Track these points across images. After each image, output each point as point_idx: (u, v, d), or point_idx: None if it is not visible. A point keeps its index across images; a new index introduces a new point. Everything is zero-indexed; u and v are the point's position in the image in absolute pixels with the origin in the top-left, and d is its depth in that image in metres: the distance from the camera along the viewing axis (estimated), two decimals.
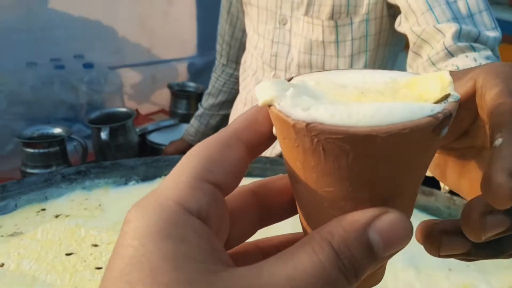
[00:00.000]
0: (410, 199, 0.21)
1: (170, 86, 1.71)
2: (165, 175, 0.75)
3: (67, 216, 0.66)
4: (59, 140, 1.20)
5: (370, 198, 0.19)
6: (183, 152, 1.45)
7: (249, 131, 0.21)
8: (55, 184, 0.71)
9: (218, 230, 0.19)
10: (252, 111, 0.21)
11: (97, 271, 0.55)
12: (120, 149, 1.29)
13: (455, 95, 0.19)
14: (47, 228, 0.63)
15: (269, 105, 0.19)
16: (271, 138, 0.21)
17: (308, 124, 0.17)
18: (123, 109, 1.41)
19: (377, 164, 0.18)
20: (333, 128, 0.17)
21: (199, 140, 1.53)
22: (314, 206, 0.20)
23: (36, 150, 1.17)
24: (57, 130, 1.24)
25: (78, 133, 1.29)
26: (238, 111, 1.05)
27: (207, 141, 0.20)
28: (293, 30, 0.89)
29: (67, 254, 0.58)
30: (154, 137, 1.44)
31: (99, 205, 0.69)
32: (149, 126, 1.50)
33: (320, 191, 0.19)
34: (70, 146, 1.25)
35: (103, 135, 1.26)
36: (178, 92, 1.69)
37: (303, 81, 0.21)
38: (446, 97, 0.19)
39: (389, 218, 0.18)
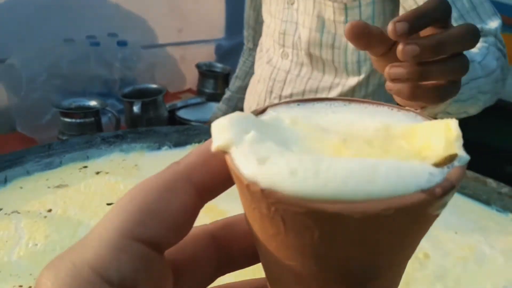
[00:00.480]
0: (394, 278, 0.17)
1: (198, 66, 1.77)
2: (196, 142, 0.81)
3: (107, 173, 0.73)
4: (94, 112, 1.27)
5: (342, 281, 0.15)
6: None
7: (202, 170, 0.17)
8: (95, 145, 0.78)
9: None
10: (207, 145, 0.17)
11: None
12: (150, 122, 1.35)
13: (463, 156, 0.15)
14: (89, 183, 0.70)
15: (224, 152, 0.15)
16: (230, 180, 0.16)
17: (263, 190, 0.14)
18: (154, 86, 1.47)
19: (350, 246, 0.14)
20: (292, 199, 0.13)
21: None
22: (276, 271, 0.17)
23: (73, 120, 1.25)
24: (93, 103, 1.32)
25: (111, 107, 1.36)
26: (251, 91, 1.09)
27: (145, 184, 0.17)
28: (300, 10, 0.93)
29: (108, 204, 0.65)
30: (183, 114, 1.51)
31: (135, 165, 0.75)
32: (178, 103, 1.56)
33: (282, 261, 0.16)
34: (104, 119, 1.33)
35: (135, 108, 1.33)
36: (205, 72, 1.76)
37: (277, 118, 0.17)
38: (452, 158, 0.15)
39: None
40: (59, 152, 0.75)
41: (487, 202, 0.68)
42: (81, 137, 0.79)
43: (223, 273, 0.20)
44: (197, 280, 0.19)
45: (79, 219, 0.61)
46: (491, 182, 0.69)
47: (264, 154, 0.14)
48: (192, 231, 0.18)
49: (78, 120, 1.25)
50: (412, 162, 0.15)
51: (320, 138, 0.17)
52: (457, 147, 0.15)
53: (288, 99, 0.20)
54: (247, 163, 0.14)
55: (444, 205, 0.14)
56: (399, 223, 0.14)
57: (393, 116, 0.18)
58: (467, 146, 0.16)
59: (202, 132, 0.85)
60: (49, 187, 0.68)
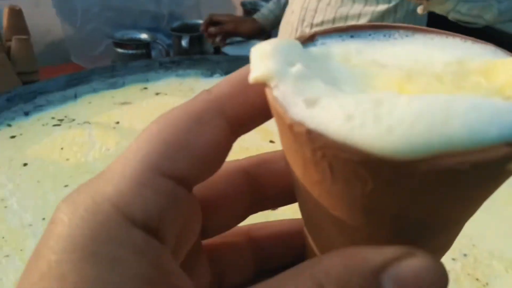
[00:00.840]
0: (450, 237, 0.15)
1: (243, 4, 1.79)
2: None
3: (166, 94, 0.79)
4: (145, 44, 1.33)
5: (392, 237, 0.13)
6: (257, 32, 1.49)
7: (236, 101, 0.15)
8: (154, 69, 0.84)
9: (177, 242, 0.15)
10: (243, 73, 0.15)
11: None
12: None
13: None
14: (150, 102, 0.77)
15: (264, 84, 0.13)
16: (267, 114, 0.15)
17: (309, 132, 0.12)
18: (201, 21, 1.51)
19: (408, 202, 0.12)
20: (346, 146, 0.11)
21: (271, 24, 1.54)
22: (317, 218, 0.15)
23: (126, 51, 1.31)
24: (143, 36, 1.37)
25: (160, 41, 1.42)
26: (285, 22, 1.10)
27: (172, 113, 0.15)
28: None
29: None
30: (227, 50, 1.55)
31: (191, 88, 0.81)
32: None
33: (325, 209, 0.14)
34: (153, 52, 1.38)
35: (184, 43, 1.38)
36: (250, 10, 1.77)
37: (327, 52, 0.15)
38: None
39: (414, 263, 0.12)
40: (121, 73, 0.82)
41: None
42: (141, 61, 0.85)
43: (255, 211, 0.19)
44: (227, 218, 0.18)
45: None
46: None
47: (312, 93, 0.12)
48: (224, 167, 0.16)
49: (130, 52, 1.31)
50: (494, 100, 0.12)
51: (378, 75, 0.14)
52: None
53: (339, 26, 0.17)
54: (292, 100, 0.12)
55: None
56: (472, 178, 0.12)
57: (468, 49, 0.15)
58: None
59: None
60: (114, 104, 0.75)
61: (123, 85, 0.80)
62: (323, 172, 0.13)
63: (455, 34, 0.16)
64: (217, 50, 1.54)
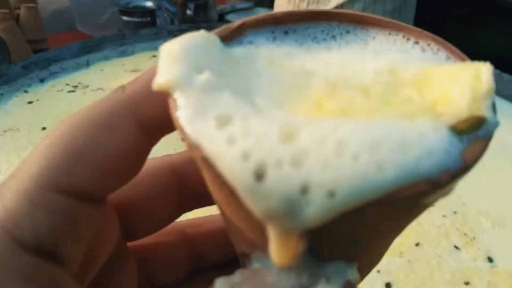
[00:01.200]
0: (371, 261, 0.15)
1: None
2: None
3: None
4: (150, 11, 1.34)
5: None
6: None
7: (150, 102, 0.13)
8: (162, 37, 0.87)
9: (85, 260, 0.14)
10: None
11: None
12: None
13: (493, 122, 0.12)
14: None
15: (167, 93, 0.12)
16: None
17: (204, 158, 0.11)
18: None
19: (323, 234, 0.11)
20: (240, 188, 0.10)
21: None
22: (231, 229, 0.15)
23: (131, 19, 1.33)
24: (149, 3, 1.39)
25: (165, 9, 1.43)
26: None
27: (76, 118, 0.13)
28: None
29: None
30: (232, 17, 1.56)
31: None
32: (227, 7, 1.61)
33: (233, 224, 0.13)
34: (159, 20, 1.40)
35: (189, 11, 1.39)
36: None
37: (250, 55, 0.14)
38: (477, 122, 0.12)
39: None
40: (131, 41, 0.84)
41: None
42: (150, 29, 0.87)
43: (187, 210, 0.18)
44: (155, 219, 0.17)
45: None
46: None
47: (215, 111, 0.11)
48: (149, 166, 0.15)
49: (135, 19, 1.33)
50: (418, 122, 0.11)
51: (300, 86, 0.13)
52: (485, 107, 0.12)
53: (274, 15, 0.15)
54: (189, 117, 0.11)
55: (448, 192, 0.11)
56: (386, 214, 0.11)
57: (406, 52, 0.14)
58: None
59: None
60: (125, 71, 0.78)
61: (133, 53, 0.83)
62: (226, 197, 0.11)
63: (400, 29, 0.15)
64: (222, 18, 1.55)
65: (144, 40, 0.85)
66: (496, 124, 0.12)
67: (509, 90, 0.76)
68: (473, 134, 0.11)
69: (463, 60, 0.14)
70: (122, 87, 0.14)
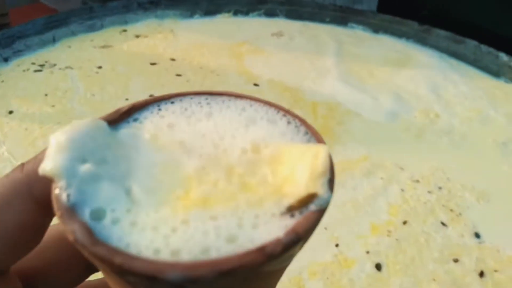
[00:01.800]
0: None
1: None
2: (226, 11, 0.85)
3: (146, 37, 0.78)
4: None
5: None
6: None
7: (45, 182, 0.14)
8: (132, 10, 0.82)
9: None
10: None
11: (177, 77, 0.68)
12: None
13: (323, 197, 0.13)
14: (131, 44, 0.76)
15: (52, 180, 0.13)
16: None
17: (75, 240, 0.12)
18: None
19: None
20: (105, 257, 0.12)
21: None
22: None
23: None
24: None
25: None
26: None
27: None
28: None
29: (152, 64, 0.71)
30: None
31: (171, 30, 0.80)
32: None
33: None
34: None
35: None
36: None
37: (135, 133, 0.15)
38: (310, 198, 0.13)
39: None
40: (99, 15, 0.80)
41: (497, 74, 0.74)
42: (118, 2, 0.83)
43: (95, 271, 0.18)
44: (61, 284, 0.18)
45: (127, 75, 0.68)
46: (503, 56, 0.75)
47: (88, 205, 0.13)
48: (53, 231, 0.16)
49: None
50: (264, 208, 0.13)
51: (174, 166, 0.14)
52: (320, 184, 0.13)
53: (164, 96, 0.17)
54: (66, 207, 0.13)
55: (291, 257, 0.13)
56: (227, 285, 0.12)
57: (275, 122, 0.16)
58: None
59: (231, 1, 0.88)
60: (95, 47, 0.74)
61: (101, 27, 0.79)
62: (101, 269, 0.14)
63: (275, 105, 0.17)
64: None
65: (113, 14, 0.80)
66: (328, 199, 0.13)
67: (487, 61, 0.76)
68: (304, 208, 0.13)
69: (316, 136, 0.16)
70: (22, 166, 0.15)
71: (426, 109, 0.65)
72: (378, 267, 0.42)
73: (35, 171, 0.14)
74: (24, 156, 0.54)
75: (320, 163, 0.14)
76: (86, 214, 0.13)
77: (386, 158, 0.55)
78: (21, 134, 0.57)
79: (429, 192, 0.50)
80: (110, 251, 0.12)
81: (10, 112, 0.60)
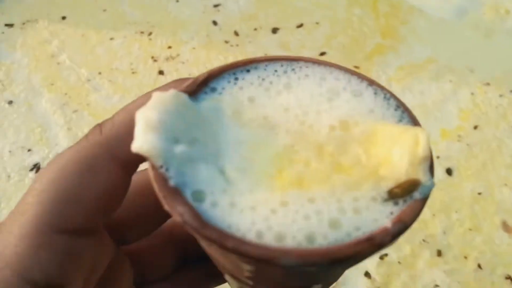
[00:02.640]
0: None
1: None
2: None
3: None
4: None
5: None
6: None
7: (127, 144, 0.14)
8: None
9: (86, 280, 0.15)
10: (131, 115, 0.14)
11: None
12: None
13: (427, 185, 0.13)
14: None
15: (147, 159, 0.13)
16: None
17: (184, 223, 0.13)
18: None
19: (277, 280, 0.15)
20: (217, 240, 0.12)
21: None
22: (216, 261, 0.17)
23: None
24: None
25: None
26: None
27: (61, 163, 0.15)
28: None
29: None
30: None
31: None
32: None
33: (218, 259, 0.16)
34: None
35: None
36: None
37: (218, 101, 0.15)
38: (413, 185, 0.13)
39: None
40: None
41: None
42: None
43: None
44: (145, 229, 0.19)
45: None
46: None
47: (192, 185, 0.13)
48: (136, 182, 0.16)
49: None
50: (362, 191, 0.13)
51: (263, 143, 0.14)
52: (421, 171, 0.13)
53: (237, 62, 0.16)
54: (170, 189, 0.13)
55: (390, 245, 0.13)
56: (332, 270, 0.15)
57: (360, 94, 0.15)
58: None
59: None
60: None
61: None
62: (213, 251, 0.14)
63: (355, 73, 0.16)
64: None
65: None
66: (431, 186, 0.13)
67: None
68: (408, 196, 0.13)
69: (408, 112, 0.15)
70: (99, 127, 0.15)
71: (495, 4, 0.61)
72: (449, 171, 0.43)
73: (114, 134, 0.15)
74: (86, 63, 0.54)
75: (422, 148, 0.13)
76: (188, 196, 0.13)
77: (454, 59, 0.53)
78: (78, 41, 0.57)
79: (501, 95, 0.49)
80: (222, 235, 0.12)
81: (63, 18, 0.59)
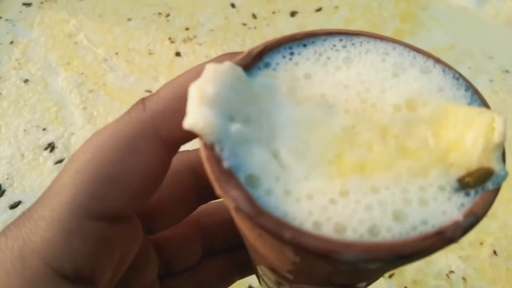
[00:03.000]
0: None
1: None
2: None
3: None
4: None
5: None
6: None
7: (172, 122, 0.13)
8: None
9: (114, 270, 0.14)
10: (183, 83, 0.13)
11: None
12: None
13: (501, 175, 0.12)
14: None
15: (199, 135, 0.12)
16: None
17: (237, 209, 0.12)
18: None
19: (332, 274, 0.14)
20: (273, 230, 0.11)
21: None
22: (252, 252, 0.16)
23: None
24: None
25: None
26: None
27: (101, 139, 0.13)
28: None
29: None
30: None
31: None
32: None
33: (258, 251, 0.15)
34: None
35: None
36: None
37: (272, 78, 0.14)
38: (486, 174, 0.12)
39: None
40: None
41: None
42: None
43: (203, 203, 0.18)
44: (174, 217, 0.18)
45: None
46: None
47: (246, 169, 0.12)
48: (171, 166, 0.15)
49: None
50: (429, 178, 0.12)
51: (320, 124, 0.13)
52: (495, 158, 0.12)
53: (295, 35, 0.15)
54: (222, 175, 0.12)
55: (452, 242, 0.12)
56: (397, 265, 0.13)
57: (428, 71, 0.14)
58: None
59: None
60: None
61: None
62: (258, 240, 0.13)
63: (419, 50, 0.15)
64: None
65: None
66: (504, 176, 0.12)
67: None
68: (481, 186, 0.12)
69: (478, 94, 0.14)
70: (143, 103, 0.14)
71: None
72: None
73: (161, 111, 0.13)
74: (103, 44, 0.54)
75: (498, 134, 0.12)
76: (242, 179, 0.12)
77: (473, 46, 0.52)
78: (96, 21, 0.57)
79: None
80: (279, 224, 0.11)
81: None
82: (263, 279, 0.17)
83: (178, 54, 0.53)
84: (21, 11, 0.58)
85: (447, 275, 0.39)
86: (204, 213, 0.19)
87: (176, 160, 0.15)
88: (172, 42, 0.54)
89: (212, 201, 0.18)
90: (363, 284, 0.15)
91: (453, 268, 0.39)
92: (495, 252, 0.40)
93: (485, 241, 0.40)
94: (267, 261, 0.15)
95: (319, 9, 0.57)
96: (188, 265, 0.19)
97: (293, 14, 0.56)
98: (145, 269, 0.17)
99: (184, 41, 0.54)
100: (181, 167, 0.17)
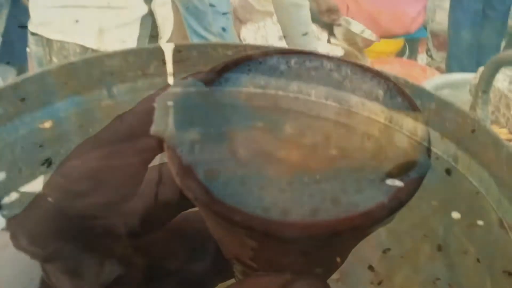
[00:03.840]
0: (328, 268, 0.17)
1: None
2: None
3: None
4: None
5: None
6: None
7: (147, 130, 0.15)
8: None
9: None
10: (151, 104, 0.16)
11: None
12: None
13: (423, 164, 0.14)
14: None
15: (163, 140, 0.15)
16: None
17: (195, 199, 0.14)
18: None
19: (275, 256, 0.15)
20: (225, 215, 0.14)
21: None
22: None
23: None
24: None
25: None
26: None
27: (84, 148, 0.16)
28: None
29: None
30: None
31: None
32: None
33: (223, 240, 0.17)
34: None
35: None
36: None
37: (231, 92, 0.16)
38: (409, 165, 0.14)
39: (305, 283, 0.15)
40: None
41: None
42: None
43: (185, 210, 0.20)
44: (157, 224, 0.19)
45: None
46: None
47: (201, 166, 0.14)
48: (149, 177, 0.17)
49: None
50: (365, 172, 0.14)
51: (273, 128, 0.15)
52: (419, 152, 0.15)
53: (245, 56, 0.17)
54: (183, 167, 0.14)
55: (389, 221, 0.14)
56: (331, 243, 0.15)
57: (365, 87, 0.16)
58: None
59: None
60: None
61: None
62: (214, 223, 0.15)
63: (374, 71, 0.17)
64: None
65: None
66: (428, 167, 0.14)
67: None
68: (405, 175, 0.14)
69: (409, 100, 0.16)
70: (120, 118, 0.16)
71: None
72: (448, 172, 0.41)
73: (136, 123, 0.16)
74: None
75: (420, 130, 0.15)
76: (201, 174, 0.14)
77: None
78: None
79: None
80: (230, 209, 0.13)
81: None
82: (236, 274, 0.19)
83: None
84: None
85: (433, 282, 0.41)
86: (187, 217, 0.21)
87: (154, 172, 0.18)
88: None
89: (193, 209, 0.20)
90: (320, 270, 0.17)
91: (439, 276, 0.41)
92: (478, 260, 0.40)
93: (468, 250, 0.40)
94: (231, 251, 0.17)
95: None
96: (171, 269, 0.21)
97: None
98: (131, 271, 0.19)
99: None
100: (158, 177, 0.19)
